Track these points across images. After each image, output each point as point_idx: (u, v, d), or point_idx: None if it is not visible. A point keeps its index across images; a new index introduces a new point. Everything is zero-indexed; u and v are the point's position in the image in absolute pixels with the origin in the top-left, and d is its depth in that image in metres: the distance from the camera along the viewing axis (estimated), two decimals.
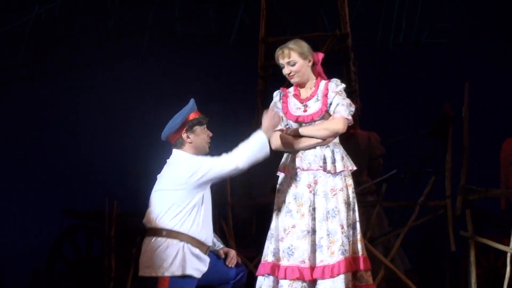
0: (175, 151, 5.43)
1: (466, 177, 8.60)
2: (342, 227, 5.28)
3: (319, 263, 5.26)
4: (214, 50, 11.16)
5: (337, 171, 5.37)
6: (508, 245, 8.42)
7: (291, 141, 5.47)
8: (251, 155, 5.29)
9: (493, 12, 9.99)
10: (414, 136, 9.51)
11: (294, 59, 5.50)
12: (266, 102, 10.10)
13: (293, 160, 5.50)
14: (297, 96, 5.61)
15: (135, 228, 7.40)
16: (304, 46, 5.57)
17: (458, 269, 9.15)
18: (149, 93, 10.81)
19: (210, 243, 5.42)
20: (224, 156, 5.28)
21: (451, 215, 8.42)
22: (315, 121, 5.50)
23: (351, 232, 5.33)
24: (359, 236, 5.37)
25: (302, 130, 5.44)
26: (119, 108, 10.56)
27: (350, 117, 5.41)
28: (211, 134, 5.54)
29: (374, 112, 9.75)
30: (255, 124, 10.02)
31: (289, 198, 5.44)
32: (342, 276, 5.20)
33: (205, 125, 5.51)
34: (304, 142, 5.43)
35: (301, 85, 5.59)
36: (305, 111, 5.54)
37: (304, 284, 5.29)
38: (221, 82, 10.72)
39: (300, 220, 5.35)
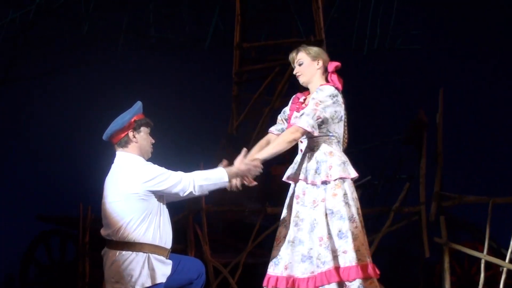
0: (119, 153, 5.22)
1: (441, 183, 8.65)
2: (321, 239, 5.27)
3: (309, 274, 5.23)
4: (189, 55, 11.14)
5: (317, 183, 5.38)
6: (482, 251, 8.48)
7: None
8: (208, 188, 5.18)
9: (467, 20, 10.05)
10: (388, 142, 9.54)
11: (301, 58, 5.51)
12: (240, 107, 10.12)
13: (290, 170, 5.49)
14: (297, 102, 5.61)
15: None
16: (315, 48, 5.59)
17: (432, 275, 9.19)
18: (123, 97, 10.76)
19: (170, 245, 5.31)
20: (183, 175, 5.13)
21: (425, 221, 8.47)
22: None
23: (338, 242, 5.23)
24: (351, 245, 5.21)
25: (260, 155, 5.33)
26: (94, 112, 10.51)
27: (308, 129, 5.24)
28: (153, 141, 5.34)
29: (348, 118, 9.76)
30: (230, 131, 10.10)
31: (285, 208, 5.46)
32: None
33: (150, 130, 5.32)
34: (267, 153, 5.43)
35: (310, 89, 5.56)
36: (296, 117, 5.51)
37: None
38: (195, 87, 10.69)
39: (284, 230, 5.38)
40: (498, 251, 9.06)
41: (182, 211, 8.58)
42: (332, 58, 9.37)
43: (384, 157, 9.48)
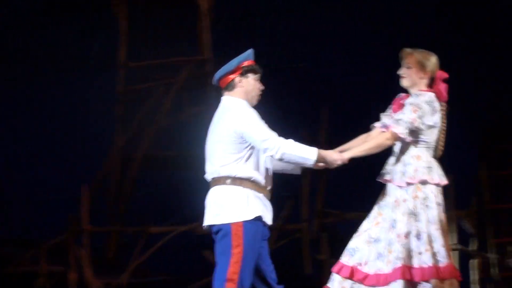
0: (225, 97, 5.23)
1: (323, 201, 8.73)
2: (399, 236, 5.28)
3: (377, 270, 5.27)
4: (74, 74, 10.98)
5: (402, 184, 5.35)
6: None
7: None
8: (290, 159, 5.11)
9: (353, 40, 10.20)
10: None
11: (411, 63, 5.48)
12: (126, 126, 10.02)
13: (383, 171, 5.49)
14: (402, 104, 5.51)
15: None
16: (427, 58, 5.51)
17: None
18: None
19: (270, 185, 5.28)
20: (273, 136, 5.05)
21: (307, 238, 8.54)
22: None
23: (414, 243, 5.27)
24: (427, 247, 5.27)
25: (352, 152, 5.28)
26: None
27: (403, 136, 5.25)
28: (263, 87, 5.30)
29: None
30: (115, 150, 9.98)
31: (376, 206, 5.44)
32: (393, 285, 5.22)
33: (259, 76, 5.26)
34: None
35: (410, 92, 5.46)
36: None
37: (355, 285, 5.29)
38: (79, 108, 10.54)
39: (374, 227, 5.38)
40: None
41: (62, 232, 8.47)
42: None
43: None
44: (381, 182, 5.54)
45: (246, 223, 5.00)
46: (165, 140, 9.91)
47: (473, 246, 8.77)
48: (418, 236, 5.34)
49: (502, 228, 9.39)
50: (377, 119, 5.55)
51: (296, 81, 10.35)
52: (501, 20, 9.88)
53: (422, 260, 5.31)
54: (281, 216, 8.59)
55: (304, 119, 9.64)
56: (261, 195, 5.13)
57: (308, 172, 8.96)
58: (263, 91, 5.22)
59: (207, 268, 8.19)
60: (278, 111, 9.66)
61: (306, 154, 5.08)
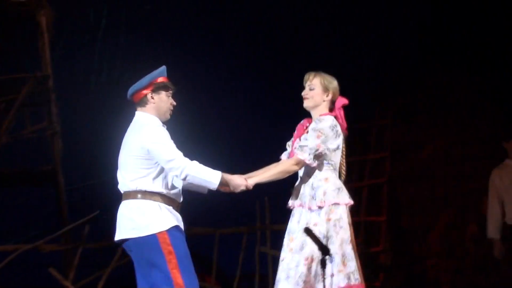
0: (137, 112, 5.36)
1: None
2: (307, 259, 5.36)
3: None
4: None
5: (313, 208, 5.44)
6: (210, 282, 8.70)
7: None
8: (193, 181, 5.21)
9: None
10: (115, 175, 9.55)
11: (315, 84, 5.57)
12: None
13: (291, 196, 5.59)
14: (300, 129, 5.66)
15: None
16: (330, 81, 5.60)
17: None
18: None
19: (180, 199, 5.36)
20: (178, 156, 5.12)
21: None
22: None
23: (313, 265, 5.36)
24: (339, 268, 5.37)
25: (258, 178, 5.43)
26: None
27: (309, 162, 5.38)
28: (175, 103, 5.38)
29: (78, 153, 9.71)
30: None
31: (286, 233, 5.53)
32: None
33: (171, 92, 5.36)
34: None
35: (312, 115, 5.60)
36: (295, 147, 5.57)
37: None
38: None
39: (288, 254, 5.41)
40: (226, 281, 9.33)
41: None
42: (60, 92, 9.30)
43: (112, 191, 9.46)
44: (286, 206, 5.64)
45: (169, 230, 5.12)
46: (7, 157, 9.70)
47: None
48: (330, 259, 5.46)
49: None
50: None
51: None
52: None
53: (335, 282, 5.44)
54: None
55: None
56: (170, 207, 5.23)
57: None
58: (175, 106, 5.35)
59: (56, 285, 8.13)
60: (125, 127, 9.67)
61: (209, 177, 5.19)
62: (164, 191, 5.22)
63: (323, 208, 5.47)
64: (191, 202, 9.29)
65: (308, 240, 5.40)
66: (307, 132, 5.55)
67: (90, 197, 9.26)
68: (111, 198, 9.43)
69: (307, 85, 5.63)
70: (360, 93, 8.82)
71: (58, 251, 8.45)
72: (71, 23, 10.44)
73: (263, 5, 10.05)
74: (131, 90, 5.40)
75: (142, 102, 5.35)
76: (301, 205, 5.53)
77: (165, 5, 10.46)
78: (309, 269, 5.43)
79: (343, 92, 5.68)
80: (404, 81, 10.21)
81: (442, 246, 10.04)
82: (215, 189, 5.27)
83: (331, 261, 5.39)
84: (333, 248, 5.41)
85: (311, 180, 5.55)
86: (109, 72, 10.94)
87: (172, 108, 5.39)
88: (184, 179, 5.19)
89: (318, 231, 5.41)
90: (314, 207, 5.49)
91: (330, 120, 5.55)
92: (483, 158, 10.01)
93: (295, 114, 5.79)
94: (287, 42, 10.09)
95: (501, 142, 8.47)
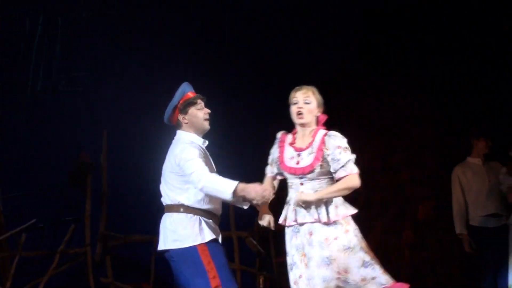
0: (178, 131, 5.74)
1: (106, 224, 8.74)
2: (339, 273, 5.37)
3: None
4: None
5: (331, 221, 5.41)
6: None
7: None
8: (210, 193, 5.46)
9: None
10: (53, 185, 9.46)
11: (310, 98, 5.57)
12: None
13: (291, 213, 5.52)
14: (292, 145, 5.58)
15: None
16: (320, 97, 5.66)
17: None
18: None
19: (219, 212, 5.68)
20: (197, 169, 5.44)
21: (90, 262, 8.52)
22: (305, 174, 5.48)
23: (364, 272, 5.43)
24: (379, 271, 5.50)
25: (320, 195, 5.46)
26: None
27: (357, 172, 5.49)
28: (208, 111, 5.73)
29: (13, 161, 9.60)
30: None
31: (293, 250, 5.51)
32: None
33: (200, 103, 5.70)
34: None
35: (301, 131, 5.58)
36: (297, 163, 5.51)
37: None
38: None
39: (305, 270, 5.41)
40: None
41: None
42: None
43: (49, 200, 9.38)
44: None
45: (208, 243, 5.45)
46: None
47: (257, 265, 9.04)
48: (366, 265, 5.49)
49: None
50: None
51: (74, 105, 10.27)
52: None
53: (380, 282, 5.50)
54: (64, 240, 8.52)
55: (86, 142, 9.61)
56: (210, 221, 5.56)
57: (89, 196, 8.95)
58: (210, 114, 5.71)
59: None
60: (61, 135, 9.60)
61: (223, 188, 5.38)
62: (203, 206, 5.53)
63: (338, 221, 5.51)
64: (127, 209, 9.31)
65: (334, 255, 5.44)
66: (320, 150, 5.51)
67: (27, 206, 9.13)
68: (47, 207, 9.40)
69: (302, 99, 5.59)
70: None
71: None
72: (7, 30, 10.30)
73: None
74: (165, 119, 5.76)
75: (178, 125, 5.72)
76: (316, 221, 5.47)
77: (103, 12, 10.41)
78: (344, 281, 5.47)
79: None
80: (341, 87, 10.29)
81: (378, 252, 10.12)
82: (232, 200, 5.41)
83: (367, 267, 5.46)
84: (366, 255, 5.48)
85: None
86: (45, 80, 10.82)
87: (207, 117, 5.71)
88: (202, 190, 5.42)
89: (341, 244, 5.46)
90: (329, 221, 5.51)
91: (339, 134, 5.65)
92: (419, 166, 10.16)
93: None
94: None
95: (470, 138, 8.59)
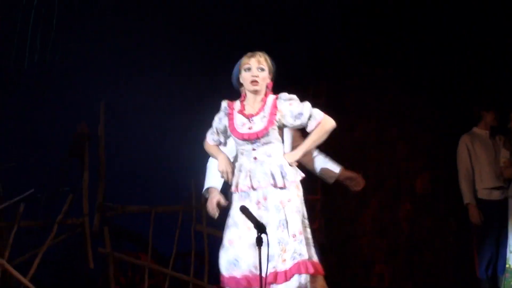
0: None
1: (103, 194, 8.74)
2: (294, 235, 5.35)
3: (271, 269, 5.30)
4: None
5: (287, 185, 5.42)
6: (145, 260, 8.69)
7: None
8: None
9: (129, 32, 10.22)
10: (52, 156, 9.47)
11: (264, 65, 5.53)
12: None
13: (243, 179, 5.50)
14: (241, 112, 5.56)
15: None
16: (272, 63, 5.65)
17: (96, 286, 9.24)
18: None
19: None
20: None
21: (88, 232, 8.51)
22: (259, 138, 5.47)
23: (302, 238, 5.40)
24: (311, 241, 5.48)
25: (305, 148, 5.60)
26: None
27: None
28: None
29: (11, 132, 9.60)
30: None
31: (237, 211, 5.42)
32: (295, 278, 5.30)
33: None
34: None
35: (252, 98, 5.57)
36: (250, 128, 5.51)
37: None
38: None
39: (247, 232, 5.36)
40: (161, 259, 9.32)
41: None
42: None
43: (47, 170, 9.39)
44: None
45: None
46: None
47: None
48: (307, 231, 5.53)
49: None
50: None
51: (71, 76, 10.26)
52: None
53: (312, 254, 5.52)
54: (62, 210, 8.52)
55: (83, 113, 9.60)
56: None
57: (87, 166, 8.94)
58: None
59: None
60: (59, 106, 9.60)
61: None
62: None
63: (293, 184, 5.54)
64: (125, 180, 9.33)
65: (289, 217, 5.44)
66: (273, 114, 5.57)
67: (25, 176, 9.13)
68: (45, 177, 9.40)
69: (255, 66, 5.57)
70: (292, 74, 8.84)
71: None
72: (3, 2, 10.26)
73: None
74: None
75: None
76: (272, 185, 5.48)
77: None
78: (299, 242, 5.43)
79: (280, 74, 5.82)
80: (336, 63, 10.28)
81: (375, 225, 10.16)
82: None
83: (309, 233, 5.51)
84: (307, 222, 5.54)
85: (273, 159, 5.55)
86: (40, 51, 10.79)
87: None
88: None
89: (295, 206, 5.48)
90: (287, 185, 5.52)
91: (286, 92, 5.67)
92: (416, 139, 10.17)
93: None
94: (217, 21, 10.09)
95: (478, 110, 8.57)
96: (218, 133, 5.72)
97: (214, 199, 5.69)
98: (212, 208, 5.69)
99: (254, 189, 5.51)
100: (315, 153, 6.61)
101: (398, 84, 10.22)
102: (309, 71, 10.15)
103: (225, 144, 5.72)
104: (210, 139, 5.76)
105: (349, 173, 6.74)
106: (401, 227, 10.09)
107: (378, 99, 10.28)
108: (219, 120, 5.70)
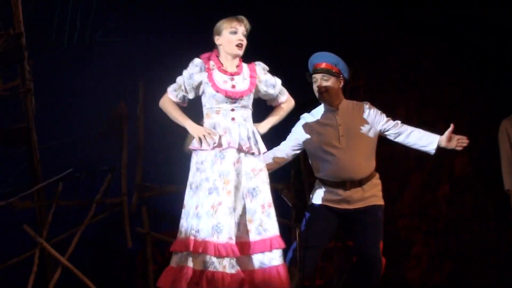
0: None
1: (142, 175, 8.77)
2: (263, 207, 5.40)
3: (237, 239, 5.35)
4: None
5: (256, 152, 5.49)
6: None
7: None
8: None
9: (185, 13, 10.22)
10: (90, 135, 9.52)
11: (246, 32, 5.62)
12: None
13: (223, 135, 5.45)
14: (220, 68, 5.58)
15: None
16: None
17: (134, 265, 9.29)
18: None
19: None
20: None
21: (127, 212, 8.56)
22: (242, 98, 5.51)
23: (271, 211, 5.46)
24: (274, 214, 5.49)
25: (272, 122, 5.72)
26: None
27: None
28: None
29: (51, 111, 9.65)
30: None
31: (214, 175, 5.36)
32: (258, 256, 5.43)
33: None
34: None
35: (230, 60, 5.60)
36: (233, 86, 5.52)
37: (232, 260, 5.29)
38: None
39: (227, 197, 5.32)
40: None
41: None
42: (32, 52, 9.21)
43: (85, 150, 9.44)
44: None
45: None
46: None
47: (293, 217, 9.03)
48: (271, 205, 5.51)
49: None
50: None
51: (111, 56, 10.29)
52: None
53: (276, 228, 5.50)
54: (100, 190, 8.56)
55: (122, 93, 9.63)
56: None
57: (125, 146, 8.97)
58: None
59: (29, 242, 8.10)
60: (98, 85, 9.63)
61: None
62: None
63: (261, 154, 5.57)
64: (163, 160, 9.35)
65: (260, 187, 5.45)
66: (252, 77, 5.66)
67: (64, 156, 9.19)
68: (84, 156, 9.46)
69: (241, 31, 5.62)
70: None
71: (31, 209, 8.40)
72: None
73: None
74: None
75: None
76: (246, 149, 5.50)
77: None
78: (267, 215, 5.49)
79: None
80: (376, 44, 10.21)
81: (414, 207, 10.10)
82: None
83: (272, 207, 5.52)
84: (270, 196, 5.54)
85: (248, 125, 5.57)
86: (81, 31, 10.84)
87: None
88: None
89: (265, 176, 5.49)
90: (257, 152, 5.54)
91: None
92: (455, 119, 10.06)
93: None
94: None
95: None
96: (186, 90, 5.66)
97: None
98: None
99: (231, 147, 5.47)
100: (410, 128, 6.51)
101: (438, 63, 10.13)
102: (346, 52, 10.09)
103: (187, 103, 5.71)
104: (174, 95, 5.70)
105: (446, 135, 6.53)
106: (440, 208, 10.01)
107: (418, 81, 10.19)
108: (190, 76, 5.64)
